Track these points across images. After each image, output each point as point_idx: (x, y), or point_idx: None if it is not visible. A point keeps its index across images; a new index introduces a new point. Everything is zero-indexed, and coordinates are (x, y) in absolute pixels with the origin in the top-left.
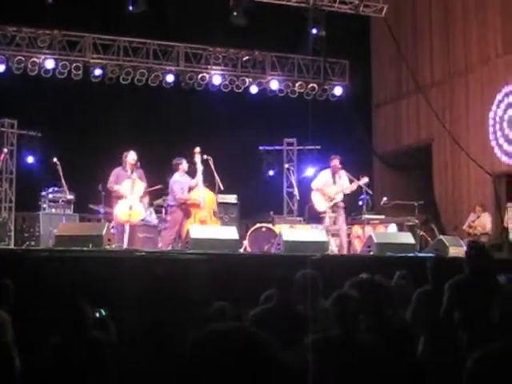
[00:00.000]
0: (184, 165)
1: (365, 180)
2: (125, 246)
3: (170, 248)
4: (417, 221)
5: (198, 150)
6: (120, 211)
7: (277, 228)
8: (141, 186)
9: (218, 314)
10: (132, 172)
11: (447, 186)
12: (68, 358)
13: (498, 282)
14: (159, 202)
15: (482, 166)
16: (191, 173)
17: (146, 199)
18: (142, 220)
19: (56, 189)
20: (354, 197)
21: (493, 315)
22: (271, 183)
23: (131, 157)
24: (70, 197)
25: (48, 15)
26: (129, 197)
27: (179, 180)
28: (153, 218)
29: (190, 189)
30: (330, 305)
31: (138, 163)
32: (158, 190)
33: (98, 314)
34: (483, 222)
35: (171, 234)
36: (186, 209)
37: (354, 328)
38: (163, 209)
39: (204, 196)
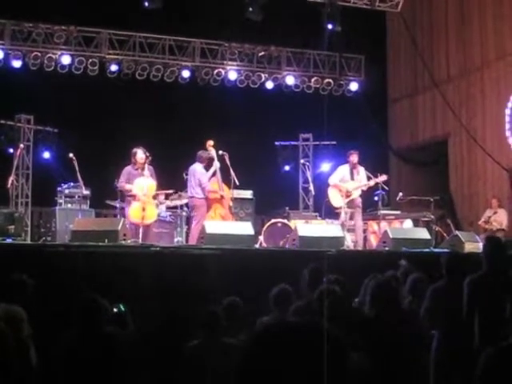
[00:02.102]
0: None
1: (383, 177)
2: (140, 241)
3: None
4: (432, 216)
5: (211, 142)
6: (133, 213)
7: (292, 223)
8: (153, 184)
9: (231, 308)
10: (143, 170)
11: (463, 181)
12: (82, 353)
13: None
14: (169, 203)
15: (499, 162)
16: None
17: (162, 196)
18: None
19: (72, 184)
20: (369, 192)
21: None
22: (287, 178)
23: (139, 156)
24: (86, 192)
25: (64, 11)
26: (142, 198)
27: (205, 172)
28: (167, 214)
29: None
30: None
31: (149, 159)
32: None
33: (116, 310)
34: (500, 218)
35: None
36: (208, 203)
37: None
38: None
39: (224, 191)
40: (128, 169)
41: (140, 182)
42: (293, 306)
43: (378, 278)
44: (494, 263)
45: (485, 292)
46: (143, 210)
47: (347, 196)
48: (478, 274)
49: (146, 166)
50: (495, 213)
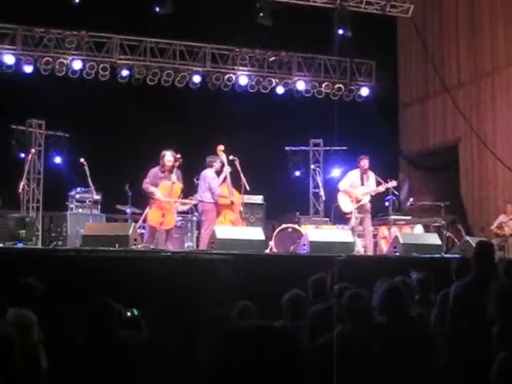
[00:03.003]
0: (217, 164)
1: (393, 183)
2: (152, 246)
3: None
4: (443, 222)
5: (222, 147)
6: (152, 216)
7: (303, 228)
8: (178, 189)
9: (244, 313)
10: (170, 173)
11: (474, 186)
12: (95, 357)
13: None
14: (183, 208)
15: (509, 167)
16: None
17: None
18: None
19: (83, 189)
20: (380, 198)
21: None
22: (297, 184)
23: (167, 158)
24: (97, 197)
25: (75, 16)
26: (163, 203)
27: (215, 177)
28: (178, 219)
29: None
30: (343, 304)
31: (180, 161)
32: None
33: (129, 314)
34: None
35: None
36: (217, 208)
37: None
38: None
39: (234, 196)
40: (154, 171)
41: (166, 185)
42: (311, 310)
43: (388, 282)
44: (483, 268)
45: (471, 297)
46: (162, 215)
47: (357, 201)
48: (467, 279)
49: (175, 169)
50: (511, 219)
